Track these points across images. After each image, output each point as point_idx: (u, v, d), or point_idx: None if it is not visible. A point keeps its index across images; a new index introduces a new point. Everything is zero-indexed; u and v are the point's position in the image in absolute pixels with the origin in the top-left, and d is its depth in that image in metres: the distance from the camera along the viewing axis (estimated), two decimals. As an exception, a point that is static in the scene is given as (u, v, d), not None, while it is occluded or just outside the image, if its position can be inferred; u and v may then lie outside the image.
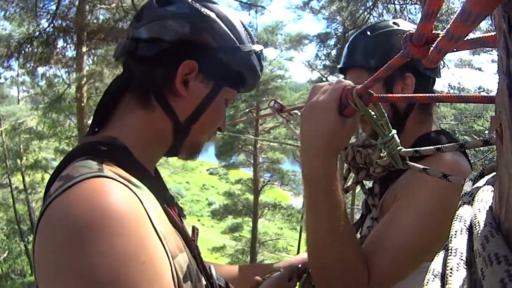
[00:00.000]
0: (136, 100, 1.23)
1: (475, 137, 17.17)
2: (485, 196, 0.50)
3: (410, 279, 1.46)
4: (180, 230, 1.17)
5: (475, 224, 0.45)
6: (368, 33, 1.85)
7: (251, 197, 28.24)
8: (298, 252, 26.82)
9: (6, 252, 28.47)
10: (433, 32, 0.70)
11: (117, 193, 0.96)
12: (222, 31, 1.25)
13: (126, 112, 1.23)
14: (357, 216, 1.98)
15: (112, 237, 0.89)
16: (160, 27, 1.21)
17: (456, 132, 18.95)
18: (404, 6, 16.07)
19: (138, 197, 1.00)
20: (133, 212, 0.95)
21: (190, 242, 1.20)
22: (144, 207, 1.00)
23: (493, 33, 0.58)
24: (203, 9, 1.24)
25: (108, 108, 1.25)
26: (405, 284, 1.47)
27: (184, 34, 1.21)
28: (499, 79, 0.44)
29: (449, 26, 0.53)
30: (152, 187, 1.13)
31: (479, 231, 0.43)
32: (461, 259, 0.44)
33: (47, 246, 0.93)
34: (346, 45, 1.94)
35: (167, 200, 1.20)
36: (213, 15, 1.25)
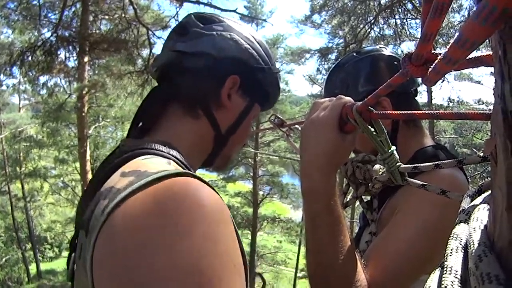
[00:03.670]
0: (182, 109, 1.29)
1: (475, 150, 17.19)
2: (481, 215, 0.51)
3: None
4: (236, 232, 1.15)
5: (470, 243, 0.46)
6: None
7: (250, 210, 28.13)
8: (297, 265, 26.76)
9: (4, 259, 28.36)
10: (432, 52, 0.72)
11: (212, 194, 0.93)
12: (260, 52, 1.37)
13: (174, 120, 1.29)
14: (357, 230, 1.98)
15: (217, 236, 0.86)
16: (208, 43, 1.30)
17: (456, 145, 18.99)
18: (405, 20, 16.13)
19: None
20: (228, 215, 0.93)
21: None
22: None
23: (491, 52, 0.59)
24: (244, 31, 1.37)
25: (153, 115, 1.30)
26: None
27: (230, 51, 1.31)
28: (494, 102, 0.46)
29: (446, 49, 0.54)
30: None
31: (473, 250, 0.44)
32: (456, 277, 0.45)
33: (135, 238, 0.84)
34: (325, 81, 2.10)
35: None
36: (251, 37, 1.38)
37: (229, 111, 1.32)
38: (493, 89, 0.45)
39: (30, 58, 14.27)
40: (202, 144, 1.32)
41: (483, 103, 18.30)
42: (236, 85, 1.31)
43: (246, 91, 1.35)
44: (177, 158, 1.14)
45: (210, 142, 1.34)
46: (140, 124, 1.34)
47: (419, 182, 1.17)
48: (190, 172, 1.00)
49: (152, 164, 1.02)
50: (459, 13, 16.23)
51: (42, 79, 16.50)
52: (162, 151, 1.13)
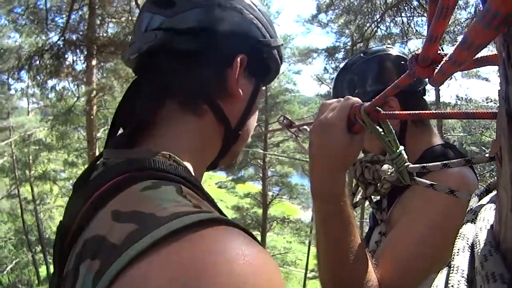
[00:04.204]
0: (180, 105, 1.01)
1: (484, 148, 17.09)
2: (487, 215, 0.52)
3: None
4: None
5: (476, 243, 0.47)
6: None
7: (259, 211, 28.11)
8: (306, 266, 26.69)
9: (14, 262, 28.44)
10: (438, 53, 0.72)
11: (268, 260, 0.68)
12: (264, 23, 1.10)
13: (171, 121, 1.00)
14: (367, 230, 1.99)
15: None
16: (205, 15, 1.01)
17: (464, 143, 18.88)
18: (411, 18, 16.08)
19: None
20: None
21: None
22: None
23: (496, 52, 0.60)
24: None
25: (144, 116, 0.99)
26: None
27: (234, 24, 1.04)
28: (499, 104, 0.46)
29: (452, 51, 0.55)
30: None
31: (480, 250, 0.45)
32: (462, 277, 0.45)
33: None
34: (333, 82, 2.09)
35: None
36: (253, 5, 1.09)
37: (237, 99, 1.05)
38: (498, 91, 0.46)
39: (38, 62, 14.31)
40: (209, 147, 1.07)
41: (491, 101, 18.21)
42: (243, 66, 1.04)
43: (252, 71, 1.09)
44: (186, 179, 0.86)
45: (219, 142, 1.08)
46: (124, 129, 1.03)
47: (427, 181, 1.18)
48: (222, 215, 0.74)
49: (159, 198, 0.73)
50: (465, 10, 16.16)
51: (50, 82, 16.55)
52: (167, 171, 0.85)
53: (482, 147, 17.92)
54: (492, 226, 0.49)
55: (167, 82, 1.02)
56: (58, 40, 14.50)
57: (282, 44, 1.17)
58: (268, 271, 0.66)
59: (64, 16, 15.85)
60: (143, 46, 1.00)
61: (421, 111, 1.08)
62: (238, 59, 1.02)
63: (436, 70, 0.68)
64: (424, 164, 1.17)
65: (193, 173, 0.94)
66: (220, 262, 0.61)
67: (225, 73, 1.02)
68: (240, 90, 1.04)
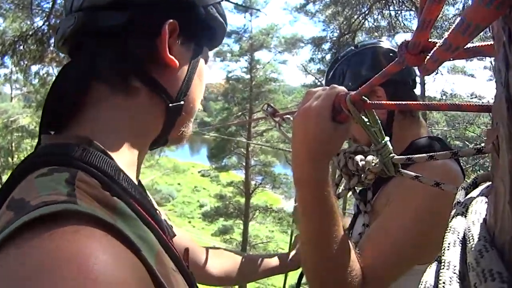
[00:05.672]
0: (111, 86, 0.95)
1: (467, 143, 17.30)
2: (479, 208, 0.50)
3: (402, 281, 1.47)
4: (176, 259, 0.86)
5: (468, 237, 0.45)
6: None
7: (242, 199, 28.27)
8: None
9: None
10: (429, 40, 0.70)
11: (103, 264, 0.57)
12: None
13: (100, 103, 0.94)
14: (349, 220, 1.98)
15: None
16: None
17: (448, 138, 19.13)
18: (399, 11, 16.16)
19: (136, 249, 0.67)
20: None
21: (183, 267, 0.88)
22: (145, 265, 0.68)
23: (489, 42, 0.58)
24: None
25: (69, 101, 0.93)
26: (397, 285, 1.48)
27: None
28: (496, 90, 0.44)
29: (447, 36, 0.52)
30: (142, 205, 0.84)
31: (473, 245, 0.43)
32: (454, 273, 0.44)
33: None
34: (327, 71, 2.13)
35: (156, 219, 0.88)
36: None
37: (174, 68, 0.99)
38: (496, 77, 0.44)
39: (22, 47, 14.19)
40: (149, 123, 1.01)
41: (476, 97, 18.46)
42: (175, 32, 0.98)
43: (188, 36, 1.02)
44: (94, 165, 0.80)
45: (160, 117, 1.02)
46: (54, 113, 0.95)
47: (412, 173, 1.16)
48: (142, 211, 0.71)
49: (42, 186, 0.70)
50: (453, 6, 16.28)
51: (34, 68, 16.44)
52: (70, 156, 0.79)
53: (466, 142, 18.14)
54: (484, 220, 0.47)
55: (94, 64, 0.94)
56: (43, 25, 14.36)
57: (220, 1, 1.09)
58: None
59: (49, 1, 15.69)
60: (66, 30, 0.95)
61: (407, 102, 1.07)
62: (166, 26, 0.94)
63: (428, 57, 0.65)
64: (409, 156, 1.15)
65: (116, 158, 0.87)
66: (56, 277, 0.54)
67: (155, 44, 0.95)
68: (175, 59, 0.97)
